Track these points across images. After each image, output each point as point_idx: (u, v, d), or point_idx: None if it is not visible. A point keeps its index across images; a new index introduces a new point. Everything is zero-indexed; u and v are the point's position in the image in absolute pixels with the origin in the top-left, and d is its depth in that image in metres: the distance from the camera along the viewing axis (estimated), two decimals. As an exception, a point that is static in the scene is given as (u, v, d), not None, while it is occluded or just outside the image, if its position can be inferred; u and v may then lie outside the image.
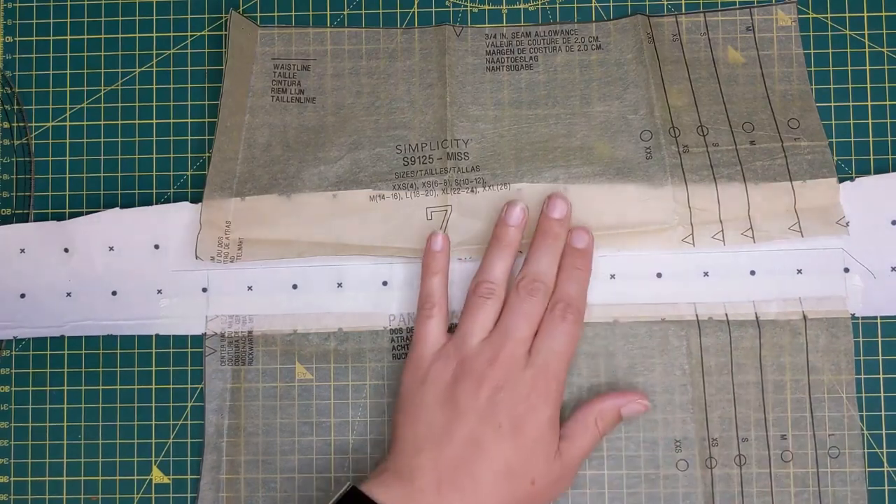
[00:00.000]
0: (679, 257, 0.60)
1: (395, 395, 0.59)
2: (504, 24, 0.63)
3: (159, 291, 0.62)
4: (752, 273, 0.60)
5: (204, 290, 0.62)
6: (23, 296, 0.62)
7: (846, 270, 0.60)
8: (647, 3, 0.63)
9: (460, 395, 0.55)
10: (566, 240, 0.58)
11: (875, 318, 0.61)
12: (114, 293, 0.62)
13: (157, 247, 0.62)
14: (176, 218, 0.62)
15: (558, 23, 0.63)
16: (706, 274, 0.61)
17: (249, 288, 0.62)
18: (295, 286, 0.62)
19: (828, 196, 0.60)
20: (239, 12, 0.63)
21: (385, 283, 0.61)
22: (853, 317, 0.60)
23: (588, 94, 0.62)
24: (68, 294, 0.62)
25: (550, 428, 0.55)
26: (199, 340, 0.62)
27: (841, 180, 0.60)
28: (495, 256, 0.58)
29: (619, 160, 0.61)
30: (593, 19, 0.63)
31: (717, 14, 0.62)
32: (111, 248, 0.62)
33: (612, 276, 0.61)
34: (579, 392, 0.60)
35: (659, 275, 0.61)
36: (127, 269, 0.62)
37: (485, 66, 0.63)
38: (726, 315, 0.60)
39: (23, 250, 0.63)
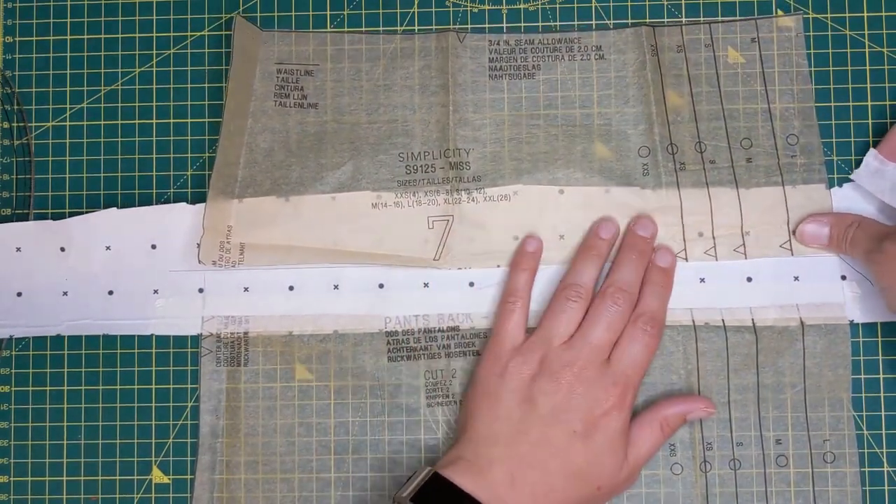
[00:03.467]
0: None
1: (470, 384, 0.59)
2: (505, 25, 0.63)
3: (156, 291, 0.62)
4: (749, 280, 0.60)
5: (200, 290, 0.62)
6: (19, 294, 0.63)
7: (843, 278, 0.60)
8: (646, 2, 0.63)
9: (537, 394, 0.55)
10: (651, 258, 0.59)
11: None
12: (110, 293, 0.62)
13: (154, 247, 0.62)
14: (173, 218, 0.62)
15: (562, 31, 0.63)
16: (702, 280, 0.61)
17: (246, 289, 0.62)
18: (291, 287, 0.62)
19: None
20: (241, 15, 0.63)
21: (381, 286, 0.61)
22: (851, 322, 0.60)
23: (589, 105, 0.62)
24: (65, 293, 0.62)
25: (621, 436, 0.56)
26: (199, 340, 0.62)
27: (840, 182, 0.60)
28: (586, 263, 0.59)
29: (617, 174, 0.61)
30: (593, 19, 0.63)
31: (721, 24, 0.62)
32: (108, 248, 0.62)
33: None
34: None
35: (655, 281, 0.61)
36: (124, 269, 0.62)
37: (487, 73, 0.62)
38: (723, 321, 0.60)
39: (19, 249, 0.63)
